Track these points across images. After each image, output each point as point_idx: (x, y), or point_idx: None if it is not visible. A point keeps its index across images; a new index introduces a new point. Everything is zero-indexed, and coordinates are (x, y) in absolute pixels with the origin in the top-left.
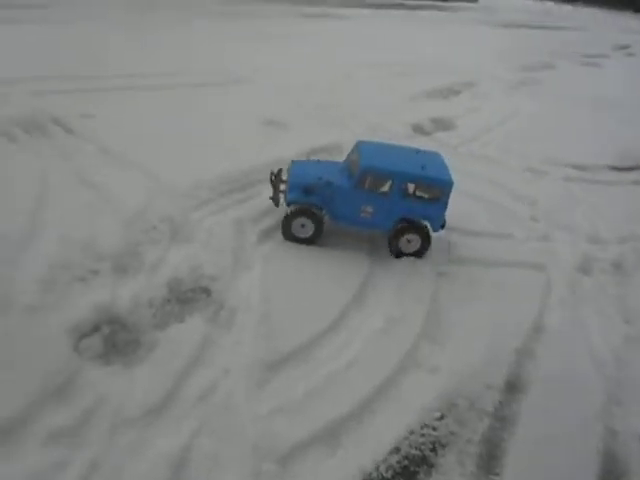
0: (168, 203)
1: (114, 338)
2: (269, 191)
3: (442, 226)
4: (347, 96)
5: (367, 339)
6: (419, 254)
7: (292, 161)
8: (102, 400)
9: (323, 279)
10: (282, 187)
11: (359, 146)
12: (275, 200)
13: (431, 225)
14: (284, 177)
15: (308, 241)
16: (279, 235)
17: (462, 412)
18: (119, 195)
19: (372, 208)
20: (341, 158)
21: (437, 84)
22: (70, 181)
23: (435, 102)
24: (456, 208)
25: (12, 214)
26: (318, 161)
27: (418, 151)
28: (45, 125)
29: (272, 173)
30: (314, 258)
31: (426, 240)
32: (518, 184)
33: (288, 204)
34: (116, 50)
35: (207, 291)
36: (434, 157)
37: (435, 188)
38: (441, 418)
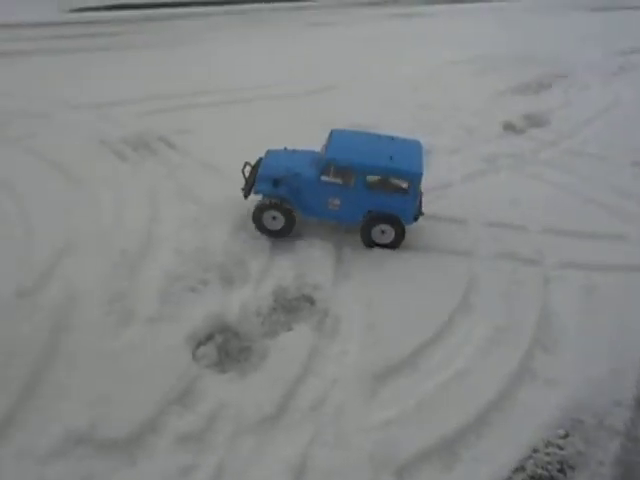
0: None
1: (227, 346)
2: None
3: (416, 218)
4: (435, 97)
5: (476, 348)
6: (394, 245)
7: (267, 150)
8: (222, 407)
9: (425, 285)
10: None
11: (331, 135)
12: (245, 192)
13: (402, 217)
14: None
15: (279, 234)
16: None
17: (589, 430)
18: (221, 207)
19: (339, 200)
20: (437, 165)
21: (525, 78)
22: (176, 195)
23: (525, 97)
24: (561, 208)
25: (129, 230)
26: (294, 151)
27: (394, 140)
28: (151, 143)
29: (247, 163)
30: (411, 263)
31: (399, 232)
32: (626, 180)
33: (256, 194)
34: (216, 67)
35: (311, 300)
36: (410, 146)
37: (402, 180)
38: (566, 436)
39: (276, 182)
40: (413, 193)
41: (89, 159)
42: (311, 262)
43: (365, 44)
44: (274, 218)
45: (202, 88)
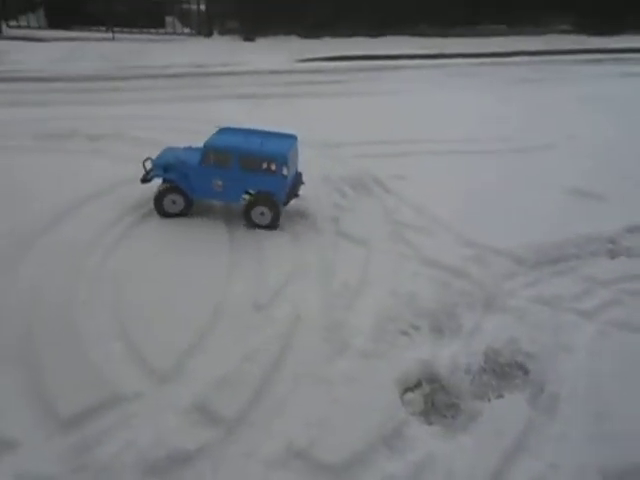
0: (479, 268)
1: (434, 398)
2: (587, 267)
3: (290, 197)
4: None
5: None
6: (272, 226)
7: (165, 147)
8: (431, 460)
9: None
10: None
11: (218, 130)
12: (142, 178)
13: (275, 196)
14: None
15: (179, 215)
16: (610, 313)
17: None
18: (434, 256)
19: (222, 182)
20: None
21: None
22: (390, 237)
23: None
24: None
25: (349, 264)
26: (190, 147)
27: (271, 133)
28: (367, 184)
29: (148, 158)
30: None
31: (275, 212)
32: None
33: (148, 180)
34: (428, 117)
35: (524, 369)
36: (284, 137)
37: (269, 161)
38: None
39: (166, 168)
40: (280, 173)
41: (314, 192)
42: (526, 328)
43: (582, 103)
44: (174, 202)
45: (415, 136)
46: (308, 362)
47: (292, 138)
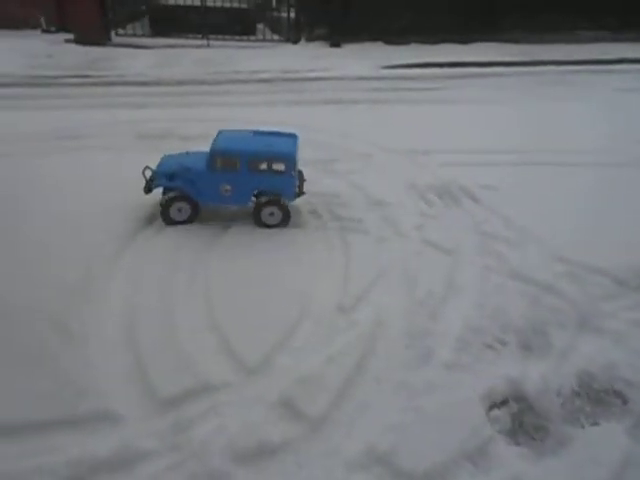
0: (573, 286)
1: (522, 417)
2: None
3: (298, 195)
4: None
5: None
6: (283, 224)
7: (163, 155)
8: None
9: None
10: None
11: (219, 133)
12: (145, 189)
13: (284, 195)
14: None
15: (186, 222)
16: None
17: None
18: (523, 269)
19: (230, 186)
20: None
21: None
22: (478, 249)
23: None
24: None
25: (434, 272)
26: (187, 153)
27: (272, 134)
28: (454, 193)
29: (147, 167)
30: None
31: (285, 211)
32: None
33: (151, 190)
34: (518, 126)
35: (622, 397)
36: (288, 137)
37: (279, 162)
38: None
39: (171, 176)
40: (289, 173)
41: (400, 199)
42: (626, 353)
43: None
44: (180, 210)
45: (505, 146)
46: (390, 368)
47: (294, 137)
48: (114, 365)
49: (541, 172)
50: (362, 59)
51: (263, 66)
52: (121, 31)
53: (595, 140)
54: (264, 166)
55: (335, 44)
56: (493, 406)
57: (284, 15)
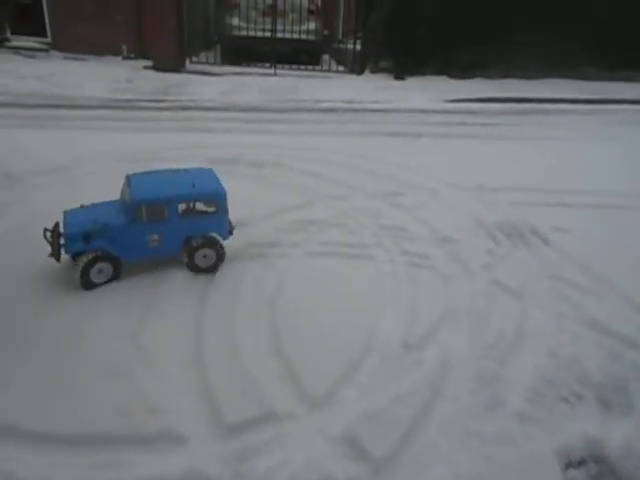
0: None
1: None
2: None
3: (230, 233)
4: None
5: None
6: (215, 268)
7: (64, 212)
8: None
9: None
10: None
11: (129, 179)
12: (55, 255)
13: (219, 234)
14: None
15: (109, 282)
16: None
17: None
18: (600, 319)
19: (158, 236)
20: None
21: None
22: (553, 295)
23: None
24: None
25: (503, 316)
26: (92, 205)
27: (187, 171)
28: (524, 233)
29: (45, 229)
30: None
31: (221, 253)
32: None
33: (72, 256)
34: (585, 167)
35: None
36: (205, 173)
37: (210, 201)
38: None
39: (87, 237)
40: (222, 211)
41: (467, 236)
42: None
43: None
44: (100, 271)
45: (576, 187)
46: (458, 413)
47: (211, 172)
48: (180, 383)
49: (621, 216)
50: (426, 92)
51: (327, 96)
52: (195, 59)
53: None
54: (195, 209)
55: (399, 77)
56: (569, 465)
57: (350, 47)
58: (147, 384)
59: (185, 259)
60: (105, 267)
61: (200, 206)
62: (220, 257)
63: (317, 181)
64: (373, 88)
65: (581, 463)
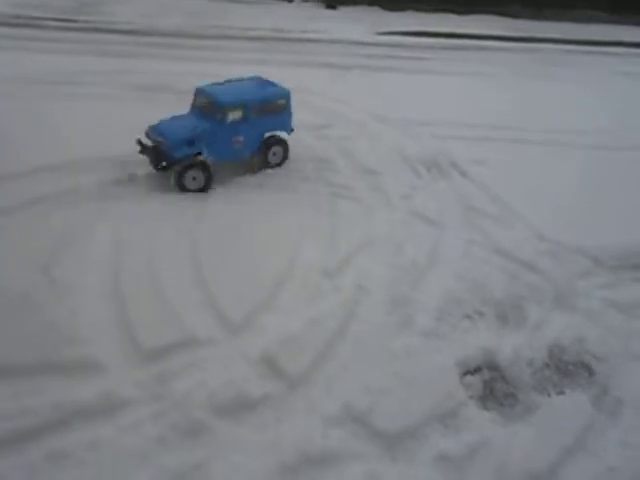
0: (552, 264)
1: (493, 385)
2: None
3: (292, 129)
4: None
5: None
6: (282, 163)
7: (149, 126)
8: (485, 443)
9: None
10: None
11: (204, 90)
12: (154, 164)
13: (285, 131)
14: (150, 141)
15: (202, 190)
16: None
17: None
18: (505, 245)
19: (241, 137)
20: None
21: None
22: (463, 222)
23: None
24: None
25: (419, 243)
26: (172, 118)
27: (242, 79)
28: (443, 166)
29: (140, 143)
30: None
31: (286, 149)
32: None
33: (178, 160)
34: (515, 104)
35: (589, 370)
36: (262, 80)
37: (280, 101)
38: None
39: (190, 142)
40: (289, 109)
41: (389, 168)
42: (596, 330)
43: None
44: (194, 178)
45: (496, 122)
46: (371, 332)
47: (262, 78)
48: (98, 314)
49: (532, 151)
50: (357, 23)
51: (257, 24)
52: None
53: (589, 123)
54: (268, 109)
55: (330, 5)
56: (467, 373)
57: None
58: (60, 316)
59: (259, 157)
60: (198, 175)
61: (269, 106)
62: (286, 154)
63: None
64: (304, 17)
65: (477, 370)
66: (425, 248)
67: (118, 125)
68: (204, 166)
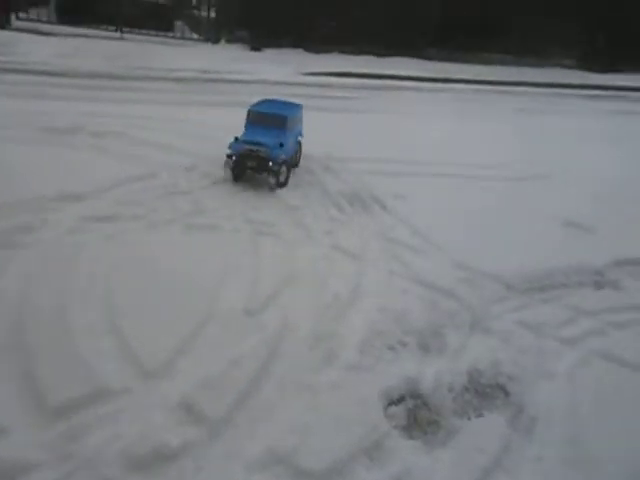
0: (469, 290)
1: (416, 413)
2: (573, 296)
3: (302, 135)
4: None
5: None
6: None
7: (235, 140)
8: (408, 472)
9: None
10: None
11: (260, 106)
12: (235, 175)
13: (301, 136)
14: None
15: (283, 185)
16: (592, 342)
17: None
18: (425, 275)
19: (292, 141)
20: None
21: None
22: (384, 254)
23: None
24: None
25: (341, 276)
26: (248, 131)
27: (264, 101)
28: (365, 200)
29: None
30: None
31: (301, 150)
32: None
33: (281, 162)
34: (430, 140)
35: (505, 391)
36: (274, 100)
37: (300, 115)
38: None
39: (282, 146)
40: (302, 119)
41: (312, 203)
42: (509, 352)
43: (579, 136)
44: (285, 176)
45: (416, 158)
46: (295, 369)
47: (281, 99)
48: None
49: (447, 184)
50: (282, 64)
51: (181, 65)
52: (23, 15)
53: (494, 156)
54: (297, 119)
55: (255, 48)
56: (391, 403)
57: (204, 14)
58: None
59: (295, 156)
60: (286, 172)
61: (297, 118)
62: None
63: (163, 151)
64: (229, 58)
65: (400, 400)
66: (348, 282)
67: (23, 168)
68: (288, 165)
